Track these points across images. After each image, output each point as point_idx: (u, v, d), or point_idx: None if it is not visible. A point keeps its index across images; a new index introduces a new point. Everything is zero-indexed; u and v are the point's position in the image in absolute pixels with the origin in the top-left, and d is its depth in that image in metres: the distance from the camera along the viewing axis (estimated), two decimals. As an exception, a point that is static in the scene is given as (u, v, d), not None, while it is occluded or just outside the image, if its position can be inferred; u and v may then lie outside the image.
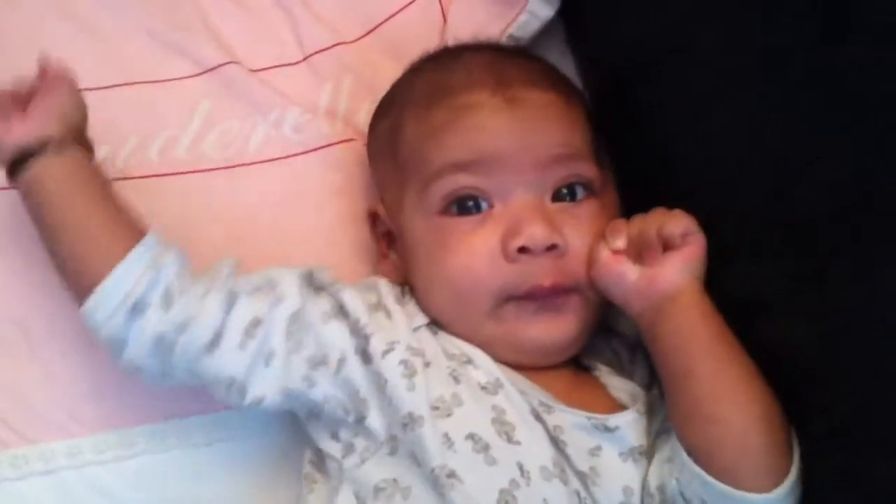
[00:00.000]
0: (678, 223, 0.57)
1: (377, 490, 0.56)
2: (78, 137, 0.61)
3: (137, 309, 0.57)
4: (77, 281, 0.59)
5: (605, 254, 0.59)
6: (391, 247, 0.66)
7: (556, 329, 0.59)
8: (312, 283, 0.62)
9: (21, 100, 0.61)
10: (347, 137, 0.74)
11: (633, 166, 0.65)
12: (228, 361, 0.58)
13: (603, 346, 0.65)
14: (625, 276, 0.58)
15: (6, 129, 0.59)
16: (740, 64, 0.54)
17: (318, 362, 0.59)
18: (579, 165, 0.61)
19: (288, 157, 0.73)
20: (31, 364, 0.67)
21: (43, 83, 0.61)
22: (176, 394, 0.67)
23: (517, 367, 0.60)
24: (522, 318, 0.59)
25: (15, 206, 0.69)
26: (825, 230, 0.50)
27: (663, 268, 0.57)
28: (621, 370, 0.63)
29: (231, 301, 0.58)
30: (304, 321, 0.59)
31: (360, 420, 0.57)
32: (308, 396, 0.58)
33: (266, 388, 0.58)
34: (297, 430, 0.65)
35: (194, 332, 0.57)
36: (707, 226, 0.58)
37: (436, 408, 0.56)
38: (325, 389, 0.58)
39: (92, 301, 0.57)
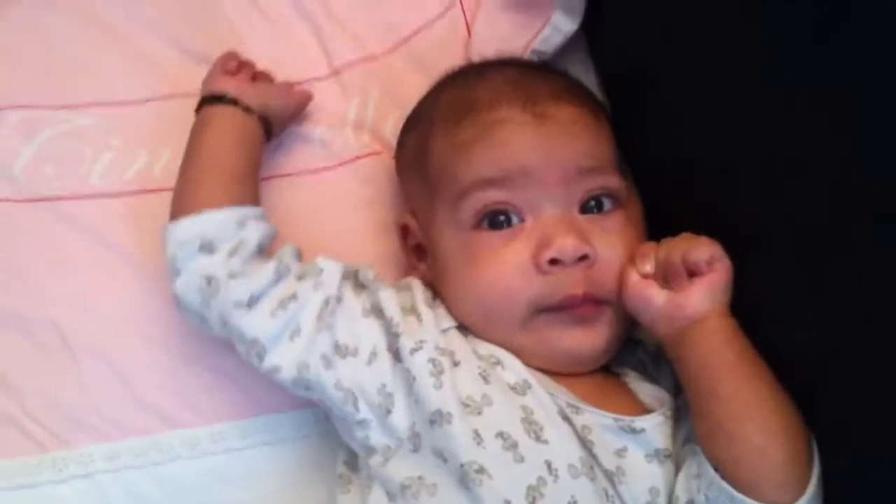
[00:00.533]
0: (703, 251, 0.58)
1: (403, 488, 0.58)
2: (266, 119, 0.70)
3: (206, 248, 0.62)
4: (184, 199, 0.65)
5: (634, 277, 0.60)
6: (421, 259, 0.68)
7: (587, 340, 0.61)
8: (357, 280, 0.64)
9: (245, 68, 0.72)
10: (374, 150, 0.76)
11: (645, 172, 0.67)
12: (257, 324, 0.61)
13: (630, 355, 0.66)
14: (652, 300, 0.59)
15: (226, 78, 0.70)
16: (741, 68, 0.56)
17: (349, 352, 0.61)
18: (605, 178, 0.63)
19: (316, 170, 0.75)
20: (70, 370, 0.69)
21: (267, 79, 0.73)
22: (210, 401, 0.69)
23: (546, 371, 0.61)
24: (555, 329, 0.61)
25: (53, 218, 0.73)
26: (824, 230, 0.51)
27: (689, 294, 0.58)
28: (648, 377, 0.65)
29: (280, 275, 0.62)
30: (340, 309, 0.61)
31: (386, 414, 0.59)
32: (322, 380, 0.60)
33: (284, 359, 0.61)
34: (330, 434, 0.67)
35: (238, 287, 0.61)
36: (712, 226, 0.60)
37: (466, 405, 0.58)
38: (343, 375, 0.60)
39: (181, 222, 0.63)
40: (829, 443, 0.55)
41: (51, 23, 0.79)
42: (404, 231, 0.69)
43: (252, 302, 0.61)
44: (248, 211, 0.64)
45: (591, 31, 0.77)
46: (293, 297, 0.61)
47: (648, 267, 0.60)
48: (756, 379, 0.56)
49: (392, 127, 0.76)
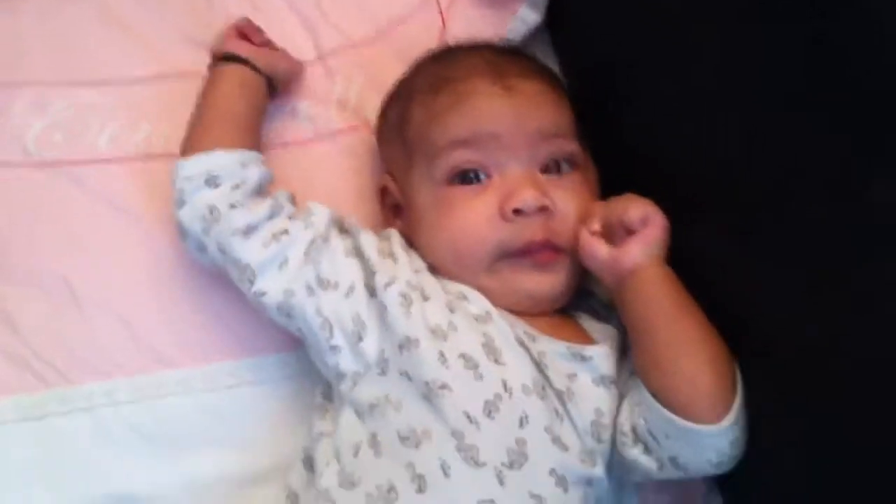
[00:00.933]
0: (636, 210, 0.66)
1: (371, 406, 0.65)
2: (271, 80, 0.78)
3: (211, 182, 0.70)
4: (194, 141, 0.73)
5: (583, 234, 0.68)
6: (397, 217, 0.75)
7: (546, 282, 0.69)
8: (342, 226, 0.72)
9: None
10: (355, 125, 0.83)
11: (610, 148, 0.75)
12: (251, 251, 0.68)
13: (584, 302, 0.74)
14: (597, 253, 0.67)
15: (238, 41, 0.78)
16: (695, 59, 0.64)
17: (329, 285, 0.68)
18: (564, 144, 0.71)
19: (302, 142, 0.82)
20: (77, 318, 0.76)
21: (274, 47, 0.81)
22: (203, 344, 0.76)
23: (509, 310, 0.68)
24: (518, 273, 0.68)
25: (64, 183, 0.80)
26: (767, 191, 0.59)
27: (626, 249, 0.65)
28: (600, 319, 0.73)
29: (274, 212, 0.70)
30: (326, 248, 0.69)
31: (357, 341, 0.66)
32: (303, 306, 0.67)
33: (271, 285, 0.68)
34: (311, 374, 0.73)
35: (237, 216, 0.69)
36: (662, 188, 0.67)
37: (433, 331, 0.65)
38: (323, 303, 0.67)
39: (191, 159, 0.71)
40: (753, 369, 0.63)
41: (64, 11, 0.86)
42: (383, 192, 0.77)
43: (248, 231, 0.69)
44: (251, 154, 0.72)
45: (554, 25, 0.86)
46: (285, 231, 0.69)
47: (595, 226, 0.68)
48: (686, 318, 0.64)
49: (372, 108, 0.82)
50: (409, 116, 0.74)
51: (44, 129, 0.81)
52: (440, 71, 0.74)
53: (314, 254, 0.69)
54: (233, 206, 0.69)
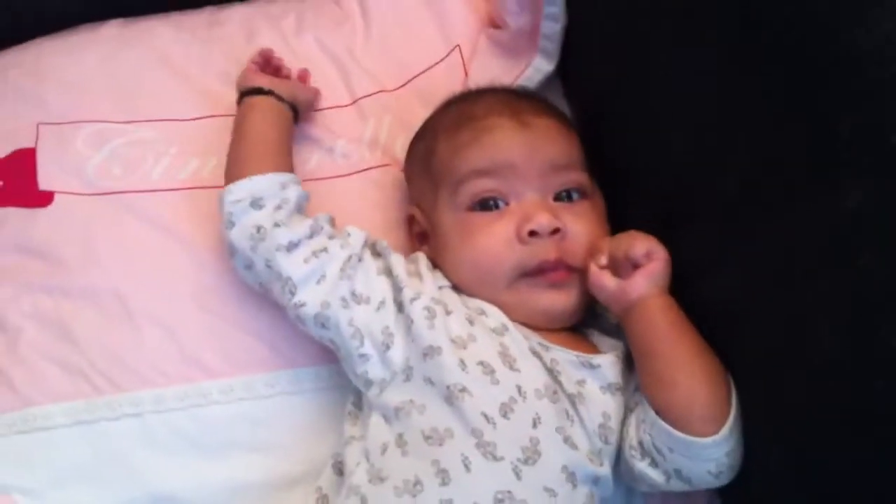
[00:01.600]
0: (641, 246, 0.72)
1: (397, 410, 0.71)
2: (294, 106, 0.87)
3: (256, 204, 0.77)
4: (236, 169, 0.80)
5: (592, 269, 0.75)
6: (423, 244, 0.82)
7: (559, 301, 0.75)
8: (375, 248, 0.79)
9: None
10: (385, 163, 0.91)
11: (607, 174, 0.83)
12: (293, 265, 0.75)
13: (594, 321, 0.81)
14: (605, 286, 0.73)
15: (259, 75, 0.88)
16: (680, 86, 0.72)
17: (362, 299, 0.75)
18: (575, 175, 0.78)
19: (337, 176, 0.90)
20: (128, 330, 0.82)
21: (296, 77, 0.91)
22: (244, 356, 0.82)
23: (525, 325, 0.75)
24: (534, 292, 0.75)
25: (119, 209, 0.87)
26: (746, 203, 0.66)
27: (632, 282, 0.72)
28: (611, 335, 0.79)
29: (315, 231, 0.77)
30: (361, 266, 0.76)
31: (385, 350, 0.72)
32: (338, 317, 0.74)
33: (310, 297, 0.75)
34: (343, 387, 0.79)
35: (281, 233, 0.76)
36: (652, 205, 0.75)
37: (454, 341, 0.71)
38: (356, 316, 0.73)
39: (236, 184, 0.78)
40: (745, 375, 0.69)
41: (122, 57, 0.95)
42: (410, 221, 0.84)
43: (291, 247, 0.75)
44: (288, 176, 0.80)
45: (565, 73, 0.94)
46: (324, 249, 0.76)
47: (603, 260, 0.74)
48: (685, 342, 0.70)
49: (401, 146, 0.91)
50: (434, 150, 0.81)
51: (103, 161, 0.89)
52: (462, 110, 0.82)
53: (349, 271, 0.75)
54: (277, 225, 0.76)
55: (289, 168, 0.82)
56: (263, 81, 0.86)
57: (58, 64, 0.95)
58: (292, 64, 0.95)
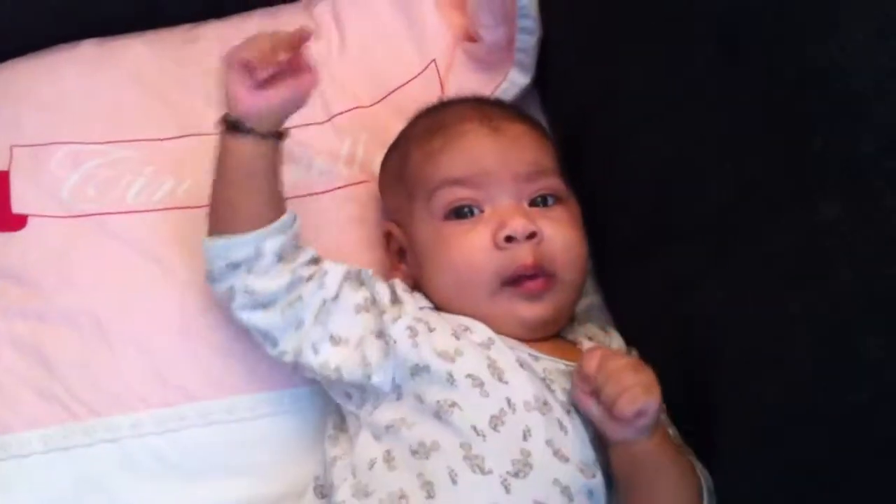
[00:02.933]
0: (629, 407, 0.64)
1: (387, 427, 0.70)
2: (280, 123, 0.77)
3: (232, 266, 0.75)
4: (218, 221, 0.76)
5: (576, 392, 0.69)
6: (402, 261, 0.82)
7: (540, 311, 0.75)
8: (359, 278, 0.78)
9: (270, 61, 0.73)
10: (363, 179, 0.90)
11: (588, 188, 0.83)
12: (270, 320, 0.75)
13: (581, 328, 0.81)
14: (590, 411, 0.68)
15: (248, 100, 0.74)
16: (659, 101, 0.72)
17: (340, 341, 0.74)
18: (549, 180, 0.78)
19: (315, 194, 0.89)
20: (105, 354, 0.81)
21: (291, 87, 0.75)
22: (224, 379, 0.82)
23: (512, 336, 0.74)
24: (514, 303, 0.75)
25: (95, 231, 0.87)
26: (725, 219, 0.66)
27: (614, 428, 0.67)
28: (600, 343, 0.79)
29: (294, 281, 0.75)
30: (336, 305, 0.75)
31: (367, 378, 0.72)
32: (311, 362, 0.74)
33: (290, 345, 0.75)
34: (323, 407, 0.79)
35: (257, 294, 0.75)
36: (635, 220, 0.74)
37: (440, 355, 0.71)
38: (330, 358, 0.73)
39: (215, 242, 0.75)
40: (727, 386, 0.69)
41: (97, 77, 0.95)
42: (388, 237, 0.83)
43: (268, 304, 0.75)
44: (272, 228, 0.75)
45: (541, 84, 0.94)
46: (299, 298, 0.75)
47: (587, 388, 0.68)
48: (667, 478, 0.68)
49: (378, 163, 0.89)
50: (406, 160, 0.81)
51: (77, 183, 0.89)
52: (433, 119, 0.82)
53: (322, 316, 0.75)
54: (247, 290, 0.75)
55: (274, 211, 0.76)
56: (247, 108, 0.74)
57: (32, 85, 0.94)
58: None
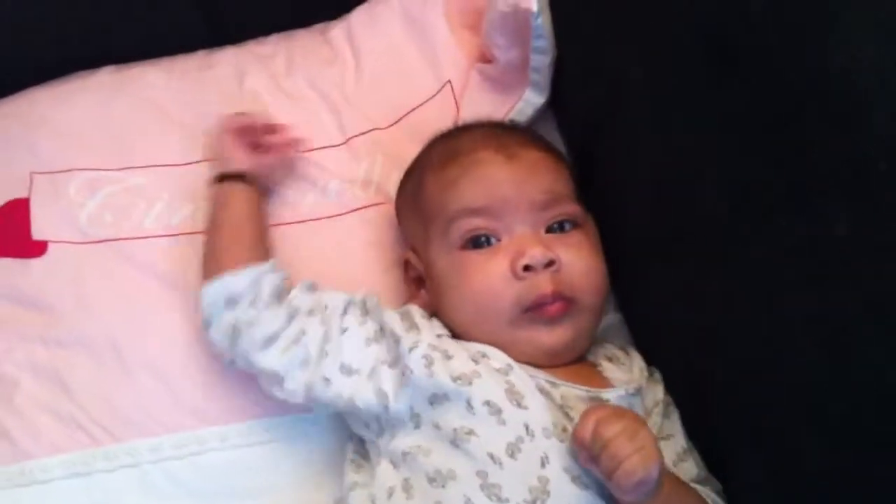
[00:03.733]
0: (629, 478, 0.63)
1: (404, 455, 0.70)
2: (268, 187, 0.85)
3: (230, 303, 0.75)
4: (212, 265, 0.79)
5: (578, 457, 0.67)
6: (420, 288, 0.81)
7: (560, 335, 0.74)
8: (364, 307, 0.77)
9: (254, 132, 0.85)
10: (379, 201, 0.90)
11: (599, 205, 0.83)
12: (272, 359, 0.74)
13: (600, 350, 0.80)
14: (596, 474, 0.66)
15: (242, 158, 0.84)
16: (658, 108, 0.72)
17: (353, 371, 0.74)
18: (565, 206, 0.77)
19: (332, 216, 0.90)
20: (124, 379, 0.82)
21: (278, 145, 0.87)
22: (241, 403, 0.82)
23: (531, 364, 0.73)
24: (534, 329, 0.74)
25: (113, 256, 0.87)
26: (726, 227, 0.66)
27: (617, 492, 0.65)
28: (621, 365, 0.78)
29: (291, 317, 0.75)
30: (346, 338, 0.75)
31: (385, 408, 0.72)
32: (323, 396, 0.73)
33: (297, 384, 0.74)
34: (340, 432, 0.79)
35: (256, 331, 0.75)
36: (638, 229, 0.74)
37: (457, 379, 0.70)
38: (343, 391, 0.73)
39: (211, 284, 0.77)
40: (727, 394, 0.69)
41: (115, 104, 0.95)
42: (406, 265, 0.83)
43: (268, 342, 0.75)
44: (263, 268, 0.77)
45: (557, 106, 0.94)
46: (302, 332, 0.75)
47: (586, 455, 0.66)
48: None
49: (394, 184, 0.90)
50: (422, 189, 0.81)
51: (95, 209, 0.89)
52: (448, 146, 0.82)
53: (328, 347, 0.75)
54: (251, 323, 0.75)
55: (265, 256, 0.80)
56: (243, 163, 0.84)
57: (50, 112, 0.95)
58: (284, 106, 0.96)
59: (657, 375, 0.78)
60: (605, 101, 0.82)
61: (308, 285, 0.79)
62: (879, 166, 0.51)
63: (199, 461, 0.80)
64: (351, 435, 0.78)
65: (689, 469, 0.74)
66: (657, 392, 0.77)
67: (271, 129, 0.87)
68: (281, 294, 0.78)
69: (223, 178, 0.83)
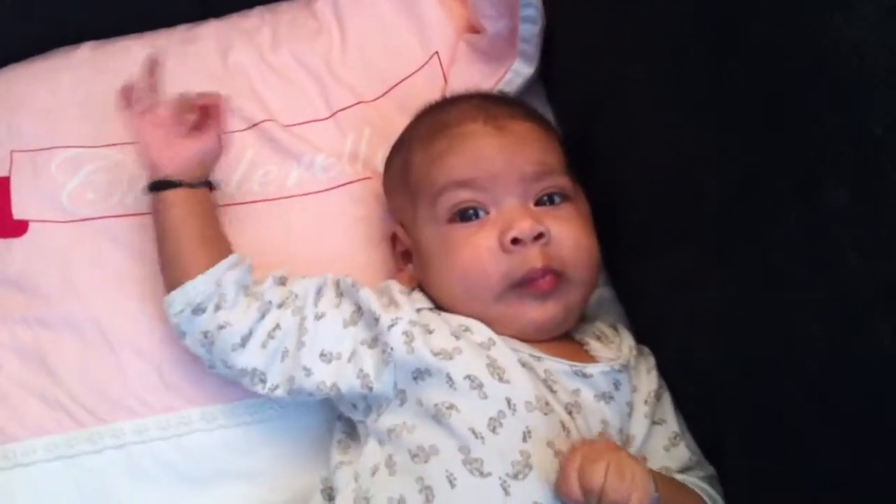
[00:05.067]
0: None
1: (389, 432, 0.69)
2: (206, 174, 0.79)
3: (198, 310, 0.73)
4: (170, 275, 0.76)
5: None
6: (407, 262, 0.80)
7: (549, 310, 0.73)
8: (338, 289, 0.76)
9: (182, 121, 0.78)
10: (366, 176, 0.89)
11: (594, 183, 0.81)
12: (251, 357, 0.73)
13: (588, 328, 0.78)
14: None
15: (166, 160, 0.77)
16: (659, 96, 0.70)
17: (334, 356, 0.72)
18: (556, 179, 0.76)
19: (318, 192, 0.88)
20: (108, 360, 0.81)
21: (207, 134, 0.79)
22: (226, 384, 0.79)
23: (517, 338, 0.72)
24: (522, 304, 0.72)
25: (95, 235, 0.86)
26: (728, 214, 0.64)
27: None
28: (609, 343, 0.77)
29: (263, 312, 0.74)
30: (322, 324, 0.73)
31: (368, 389, 0.70)
32: (305, 386, 0.72)
33: (279, 378, 0.73)
34: (327, 412, 0.78)
35: (228, 334, 0.73)
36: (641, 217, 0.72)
37: (438, 354, 0.69)
38: (326, 378, 0.71)
39: (173, 297, 0.75)
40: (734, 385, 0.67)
41: (96, 80, 0.93)
42: (393, 240, 0.81)
43: (244, 341, 0.73)
44: (219, 268, 0.74)
45: (547, 76, 0.92)
46: (277, 327, 0.73)
47: None
48: None
49: (381, 158, 0.88)
50: (410, 162, 0.79)
51: (77, 187, 0.88)
52: (435, 119, 0.80)
53: (307, 338, 0.73)
54: (222, 327, 0.73)
55: (222, 251, 0.76)
56: (170, 169, 0.77)
57: (31, 90, 0.93)
58: (269, 80, 0.94)
59: (651, 359, 0.77)
60: (605, 84, 0.79)
61: (278, 278, 0.77)
62: (875, 131, 0.50)
63: (185, 442, 0.78)
64: (339, 415, 0.77)
65: (682, 454, 0.73)
66: (651, 381, 0.75)
67: (188, 106, 0.79)
68: (248, 285, 0.76)
69: (159, 184, 0.77)
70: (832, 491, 0.58)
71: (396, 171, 0.82)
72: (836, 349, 0.55)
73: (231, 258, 0.76)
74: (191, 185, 0.77)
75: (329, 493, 0.73)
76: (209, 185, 0.79)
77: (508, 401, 0.68)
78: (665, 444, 0.72)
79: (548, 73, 0.92)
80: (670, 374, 0.76)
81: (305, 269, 0.80)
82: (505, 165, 0.74)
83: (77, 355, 0.81)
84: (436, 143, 0.77)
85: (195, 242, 0.76)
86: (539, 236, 0.72)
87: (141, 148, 0.79)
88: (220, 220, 0.80)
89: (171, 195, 0.76)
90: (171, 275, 0.76)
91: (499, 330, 0.72)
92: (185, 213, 0.76)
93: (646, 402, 0.73)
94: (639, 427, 0.72)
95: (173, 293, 0.75)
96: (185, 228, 0.76)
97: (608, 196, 0.80)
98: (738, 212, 0.62)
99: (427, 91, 0.91)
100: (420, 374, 0.69)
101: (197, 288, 0.74)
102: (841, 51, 0.51)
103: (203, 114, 0.80)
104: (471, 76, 0.91)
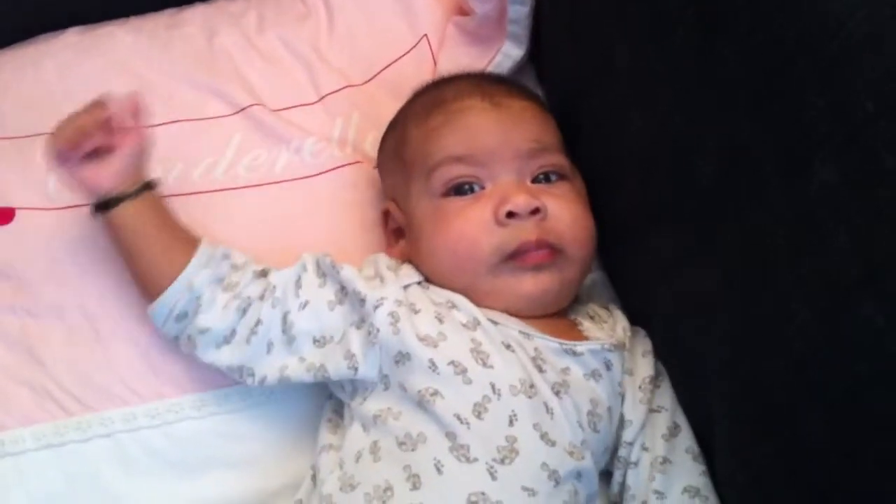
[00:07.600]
0: None
1: (374, 418, 0.68)
2: (142, 176, 0.76)
3: (179, 317, 0.74)
4: (145, 290, 0.76)
5: None
6: (399, 238, 0.79)
7: (543, 284, 0.72)
8: (320, 271, 0.75)
9: (106, 130, 0.74)
10: (356, 160, 0.88)
11: (585, 163, 0.80)
12: (237, 353, 0.73)
13: (584, 308, 0.78)
14: None
15: (98, 179, 0.74)
16: (646, 77, 0.69)
17: (327, 340, 0.72)
18: (552, 157, 0.75)
19: (307, 177, 0.87)
20: (96, 348, 0.80)
21: (125, 138, 0.75)
22: (217, 370, 0.79)
23: (509, 314, 0.71)
24: (516, 277, 0.72)
25: (82, 222, 0.85)
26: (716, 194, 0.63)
27: None
28: (603, 323, 0.76)
29: (244, 310, 0.73)
30: (308, 312, 0.72)
31: (354, 370, 0.70)
32: (298, 374, 0.72)
33: (267, 369, 0.73)
34: (318, 398, 0.77)
35: (211, 336, 0.73)
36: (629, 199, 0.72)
37: (422, 340, 0.68)
38: (314, 360, 0.71)
39: (153, 310, 0.75)
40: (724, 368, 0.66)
41: (81, 66, 0.93)
42: (385, 216, 0.81)
43: (228, 339, 0.73)
44: (189, 270, 0.73)
45: (537, 57, 0.91)
46: (259, 322, 0.73)
47: None
48: None
49: (370, 142, 0.88)
50: (405, 138, 0.78)
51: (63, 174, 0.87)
52: (432, 95, 0.79)
53: (294, 331, 0.72)
54: (203, 331, 0.73)
55: (187, 253, 0.74)
56: (108, 184, 0.74)
57: (15, 76, 0.93)
58: (256, 64, 0.93)
59: (648, 342, 0.76)
60: (592, 65, 0.78)
61: (257, 272, 0.76)
62: (866, 107, 0.49)
63: (175, 430, 0.78)
64: (330, 394, 0.76)
65: (681, 444, 0.72)
66: (647, 366, 0.74)
67: (102, 114, 0.75)
68: (224, 276, 0.75)
69: (101, 205, 0.75)
70: (817, 468, 0.58)
71: (391, 148, 0.81)
72: (823, 330, 0.54)
73: (199, 256, 0.74)
74: (134, 194, 0.74)
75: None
76: (149, 186, 0.76)
77: (493, 385, 0.67)
78: (664, 433, 0.72)
79: (537, 54, 0.91)
80: (665, 361, 0.75)
81: (295, 254, 0.79)
82: (501, 141, 0.74)
83: (64, 343, 0.80)
84: (432, 119, 0.76)
85: (157, 253, 0.74)
86: (535, 211, 0.71)
87: (74, 179, 0.76)
88: (174, 213, 0.77)
89: (117, 217, 0.74)
90: (144, 290, 0.76)
91: (489, 304, 0.72)
92: (137, 228, 0.74)
93: (640, 387, 0.72)
94: (633, 411, 0.71)
95: (152, 307, 0.75)
96: (143, 243, 0.75)
97: (596, 177, 0.79)
98: (726, 191, 0.61)
99: (416, 74, 0.90)
100: (402, 358, 0.69)
101: (172, 297, 0.73)
102: (828, 26, 0.50)
103: (115, 121, 0.75)
104: (460, 59, 0.90)
